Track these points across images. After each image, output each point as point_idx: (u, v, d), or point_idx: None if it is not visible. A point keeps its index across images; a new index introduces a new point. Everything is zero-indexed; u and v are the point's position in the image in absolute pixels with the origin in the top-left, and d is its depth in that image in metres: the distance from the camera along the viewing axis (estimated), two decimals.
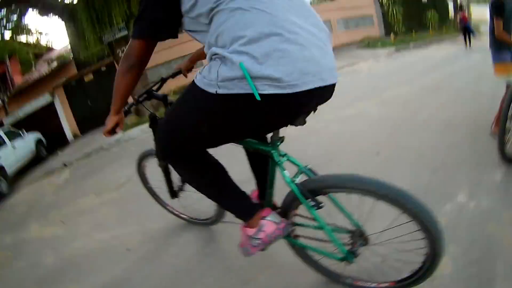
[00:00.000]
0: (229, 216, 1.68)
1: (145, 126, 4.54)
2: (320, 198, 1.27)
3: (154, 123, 1.93)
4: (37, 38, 14.91)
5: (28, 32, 14.49)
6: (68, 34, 12.56)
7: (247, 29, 0.98)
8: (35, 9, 10.34)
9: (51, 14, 9.71)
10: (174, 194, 2.31)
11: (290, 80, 0.97)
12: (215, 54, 1.06)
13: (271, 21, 0.99)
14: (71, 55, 13.98)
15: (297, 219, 1.50)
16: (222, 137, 1.31)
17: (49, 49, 17.73)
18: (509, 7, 2.65)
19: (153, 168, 2.32)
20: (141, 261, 2.22)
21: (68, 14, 9.24)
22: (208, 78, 1.08)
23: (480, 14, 16.74)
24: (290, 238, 1.57)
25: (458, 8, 19.79)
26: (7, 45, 13.58)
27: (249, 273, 1.77)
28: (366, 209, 1.21)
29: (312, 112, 1.24)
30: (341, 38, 16.47)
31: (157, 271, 2.05)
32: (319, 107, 1.22)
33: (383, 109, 4.47)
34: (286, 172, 1.33)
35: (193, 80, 1.18)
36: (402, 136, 3.26)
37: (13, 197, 6.54)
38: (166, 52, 11.25)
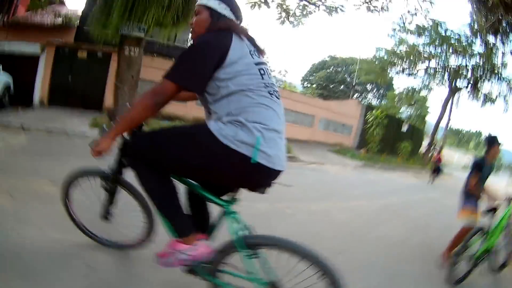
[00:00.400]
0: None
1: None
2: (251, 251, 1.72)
3: (124, 147, 2.03)
4: None
5: None
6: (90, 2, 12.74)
7: (267, 121, 1.56)
8: None
9: None
10: (106, 216, 2.38)
11: (274, 160, 1.55)
12: (238, 120, 1.54)
13: (278, 122, 1.62)
14: (77, 22, 13.88)
15: (226, 267, 1.87)
16: (201, 175, 1.72)
17: (61, 1, 17.52)
18: (485, 169, 3.69)
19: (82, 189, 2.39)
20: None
21: None
22: (225, 132, 1.52)
23: (448, 156, 18.72)
24: (211, 277, 1.88)
25: (433, 147, 22.58)
26: None
27: None
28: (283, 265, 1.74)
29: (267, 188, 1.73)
30: (318, 135, 18.09)
31: None
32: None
33: (345, 214, 5.15)
34: (234, 225, 1.75)
35: (207, 125, 1.58)
36: (360, 244, 3.89)
37: None
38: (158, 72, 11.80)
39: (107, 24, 8.40)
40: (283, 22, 12.31)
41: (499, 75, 19.74)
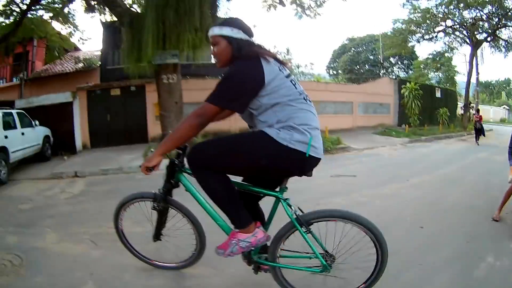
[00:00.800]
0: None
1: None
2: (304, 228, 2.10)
3: (172, 167, 2.35)
4: (71, 32, 14.81)
5: (67, 21, 14.33)
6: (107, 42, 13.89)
7: (309, 122, 1.94)
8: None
9: (110, 12, 9.99)
10: (158, 236, 2.65)
11: (318, 151, 1.95)
12: (288, 125, 1.90)
13: (316, 121, 1.99)
14: (99, 62, 14.74)
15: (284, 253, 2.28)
16: (263, 173, 2.09)
17: (76, 48, 18.08)
18: None
19: (131, 212, 2.70)
20: None
21: (129, 19, 9.18)
22: (282, 135, 1.88)
23: (484, 112, 18.67)
24: (273, 262, 2.26)
25: (470, 108, 22.44)
26: (42, 26, 13.41)
27: None
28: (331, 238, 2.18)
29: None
30: (359, 121, 18.41)
31: None
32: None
33: (414, 192, 5.49)
34: (289, 209, 2.12)
35: (263, 131, 1.92)
36: (436, 215, 4.27)
37: (12, 190, 6.80)
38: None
39: (140, 57, 8.78)
40: (300, 17, 12.74)
41: None
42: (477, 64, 23.37)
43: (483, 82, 36.64)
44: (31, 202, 5.65)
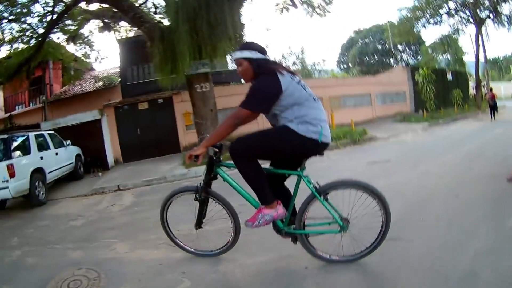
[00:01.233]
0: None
1: None
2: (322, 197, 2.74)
3: (211, 162, 2.97)
4: (86, 52, 15.14)
5: (82, 42, 14.72)
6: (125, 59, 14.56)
7: (319, 116, 2.62)
8: (120, 19, 11.48)
9: (138, 28, 10.36)
10: (200, 224, 3.21)
11: (328, 138, 2.63)
12: (305, 120, 2.56)
13: (323, 115, 2.66)
14: (119, 79, 15.29)
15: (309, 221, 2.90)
16: (288, 157, 2.81)
17: (90, 68, 18.64)
18: None
19: (175, 206, 3.27)
20: None
21: (159, 33, 9.57)
22: (301, 128, 2.56)
23: (495, 90, 19.61)
24: (301, 229, 2.86)
25: (482, 88, 23.35)
26: (57, 49, 13.87)
27: None
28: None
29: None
30: (378, 111, 19.41)
31: None
32: None
33: (443, 169, 6.33)
34: (309, 183, 2.77)
35: (287, 126, 2.58)
36: (466, 185, 5.03)
37: (55, 209, 7.19)
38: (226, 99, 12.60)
39: (174, 69, 9.35)
40: (311, 16, 13.59)
41: None
42: (483, 42, 24.31)
43: (491, 59, 37.25)
44: (81, 218, 6.00)
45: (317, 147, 2.67)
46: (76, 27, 13.18)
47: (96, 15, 12.33)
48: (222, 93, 12.73)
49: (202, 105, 9.98)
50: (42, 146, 8.92)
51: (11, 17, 11.39)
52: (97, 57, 15.60)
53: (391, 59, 37.30)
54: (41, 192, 7.85)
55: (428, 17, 22.95)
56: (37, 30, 12.04)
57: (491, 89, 18.03)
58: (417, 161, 7.38)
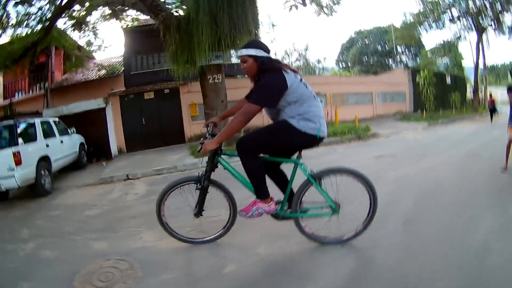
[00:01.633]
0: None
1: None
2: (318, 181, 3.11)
3: (214, 152, 3.17)
4: (89, 40, 15.04)
5: (88, 29, 14.55)
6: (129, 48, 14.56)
7: (318, 113, 2.97)
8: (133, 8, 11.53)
9: (154, 17, 10.26)
10: (200, 213, 3.41)
11: (324, 133, 2.99)
12: (305, 117, 2.89)
13: (322, 112, 3.04)
14: (122, 68, 15.23)
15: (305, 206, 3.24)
16: (288, 150, 3.15)
17: (91, 57, 18.52)
18: None
19: (172, 198, 3.41)
20: None
21: (176, 23, 9.85)
22: (301, 124, 2.87)
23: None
24: (296, 213, 3.20)
25: (480, 93, 24.37)
26: (62, 35, 13.84)
27: None
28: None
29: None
30: (379, 109, 20.33)
31: None
32: None
33: (446, 165, 6.92)
34: (305, 170, 3.12)
35: (287, 121, 2.91)
36: (468, 180, 5.59)
37: (63, 198, 7.14)
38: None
39: (190, 59, 9.72)
40: (318, 15, 14.24)
41: None
42: (483, 49, 25.29)
43: (489, 66, 38.37)
44: (95, 208, 6.01)
45: (315, 141, 3.05)
46: (85, 12, 13.15)
47: (106, 1, 12.35)
48: (230, 85, 12.98)
49: (214, 96, 10.39)
50: (47, 134, 8.78)
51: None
52: (100, 45, 15.63)
53: (390, 60, 38.25)
54: (47, 181, 7.73)
55: (431, 22, 23.87)
56: (46, 14, 11.85)
57: (491, 95, 19.22)
58: (421, 156, 8.00)
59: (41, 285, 3.23)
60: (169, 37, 10.06)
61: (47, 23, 11.80)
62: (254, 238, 3.61)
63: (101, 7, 13.14)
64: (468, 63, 30.64)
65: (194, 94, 13.75)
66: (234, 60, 13.36)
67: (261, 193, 3.12)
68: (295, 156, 3.20)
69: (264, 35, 35.11)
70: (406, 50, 38.88)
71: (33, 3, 11.66)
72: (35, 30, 12.27)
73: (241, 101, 3.47)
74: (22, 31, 12.56)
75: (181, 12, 10.58)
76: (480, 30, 23.35)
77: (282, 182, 3.35)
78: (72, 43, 15.50)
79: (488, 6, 21.96)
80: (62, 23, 13.53)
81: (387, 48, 37.38)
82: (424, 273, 2.71)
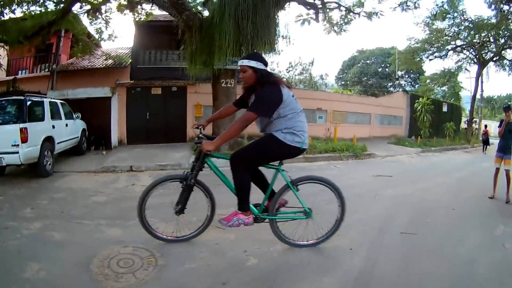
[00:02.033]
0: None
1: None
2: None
3: (201, 153, 3.46)
4: (100, 28, 14.61)
5: (100, 17, 14.20)
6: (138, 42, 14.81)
7: (303, 128, 3.38)
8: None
9: (177, 14, 10.34)
10: (182, 211, 3.60)
11: (307, 144, 3.43)
12: (292, 132, 3.30)
13: (306, 127, 3.44)
14: (130, 60, 15.39)
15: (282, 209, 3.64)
16: (274, 160, 3.50)
17: (98, 45, 18.34)
18: (508, 125, 6.64)
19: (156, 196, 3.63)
20: None
21: (199, 23, 10.18)
22: (288, 138, 3.28)
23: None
24: (274, 215, 3.58)
25: (474, 123, 25.67)
26: (77, 19, 13.51)
27: None
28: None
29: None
30: (375, 131, 21.17)
31: None
32: None
33: (440, 188, 7.73)
34: (285, 176, 3.52)
35: (274, 135, 3.29)
36: (461, 202, 6.42)
37: (66, 182, 7.29)
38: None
39: (209, 61, 10.14)
40: (329, 32, 15.00)
41: None
42: (482, 82, 26.68)
43: (485, 97, 39.93)
44: (102, 195, 6.25)
45: (298, 152, 3.44)
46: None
47: None
48: (239, 91, 13.57)
49: (224, 99, 10.80)
50: (54, 115, 8.86)
51: None
52: (111, 35, 15.80)
53: (389, 83, 39.47)
54: (49, 163, 7.84)
55: (435, 50, 24.95)
56: None
57: (486, 126, 20.92)
58: (416, 179, 8.83)
59: (53, 267, 3.28)
60: (189, 37, 10.47)
61: (65, 4, 11.89)
62: (271, 236, 3.82)
63: None
64: (465, 92, 32.12)
65: (201, 95, 14.36)
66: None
67: (244, 206, 3.49)
68: (277, 163, 3.58)
69: (283, 47, 35.66)
70: (406, 74, 40.21)
71: None
72: (51, 10, 12.35)
73: (229, 107, 3.91)
74: (37, 9, 12.46)
75: (204, 13, 11.01)
76: (482, 63, 24.48)
77: (260, 181, 3.74)
78: (83, 29, 15.10)
79: (492, 39, 23.03)
80: (77, 7, 13.18)
81: (387, 70, 38.75)
82: (417, 276, 3.34)
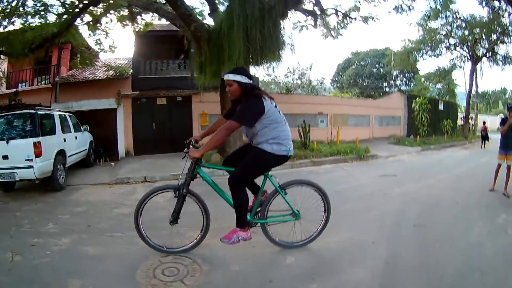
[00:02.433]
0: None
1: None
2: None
3: (194, 164, 3.64)
4: (99, 39, 14.73)
5: (100, 28, 14.23)
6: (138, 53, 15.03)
7: (288, 137, 3.70)
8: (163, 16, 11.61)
9: (185, 25, 10.50)
10: (176, 220, 3.74)
11: (292, 152, 3.73)
12: (277, 142, 3.59)
13: (290, 135, 3.76)
14: (131, 71, 15.35)
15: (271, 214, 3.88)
16: (265, 171, 3.78)
17: (97, 55, 18.09)
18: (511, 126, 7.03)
19: (151, 204, 3.78)
20: None
21: (207, 35, 10.34)
22: (274, 148, 3.57)
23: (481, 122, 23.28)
24: (263, 220, 3.83)
25: (470, 120, 26.61)
26: (77, 31, 13.71)
27: None
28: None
29: None
30: (375, 132, 22.24)
31: None
32: None
33: (442, 184, 8.37)
34: (273, 181, 3.81)
35: (262, 148, 3.57)
36: (463, 196, 7.00)
37: (82, 195, 7.39)
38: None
39: (218, 71, 10.36)
40: (326, 37, 15.62)
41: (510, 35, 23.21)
42: (476, 78, 27.71)
43: (480, 92, 40.96)
44: (124, 207, 6.35)
45: (285, 160, 3.73)
46: (103, 11, 13.10)
47: (129, 3, 12.38)
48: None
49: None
50: (63, 128, 8.93)
51: None
52: (111, 46, 15.86)
53: (384, 84, 40.36)
54: (61, 176, 7.90)
55: (429, 49, 25.84)
56: (70, 8, 11.96)
57: (484, 122, 21.54)
58: (419, 177, 9.45)
59: (96, 281, 3.38)
60: (197, 48, 10.79)
61: (69, 16, 11.99)
62: (299, 236, 4.20)
63: (121, 8, 13.19)
64: (460, 88, 33.20)
65: (206, 104, 14.81)
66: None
67: (242, 222, 3.74)
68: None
69: (288, 55, 36.34)
70: (401, 74, 41.12)
71: None
72: (52, 22, 12.39)
73: (219, 120, 4.13)
74: (36, 21, 12.39)
75: (211, 23, 11.36)
76: (475, 60, 25.37)
77: (252, 187, 4.05)
78: (82, 40, 15.29)
79: (484, 36, 23.85)
80: (78, 19, 13.02)
81: (382, 71, 39.62)
82: (435, 262, 3.83)
